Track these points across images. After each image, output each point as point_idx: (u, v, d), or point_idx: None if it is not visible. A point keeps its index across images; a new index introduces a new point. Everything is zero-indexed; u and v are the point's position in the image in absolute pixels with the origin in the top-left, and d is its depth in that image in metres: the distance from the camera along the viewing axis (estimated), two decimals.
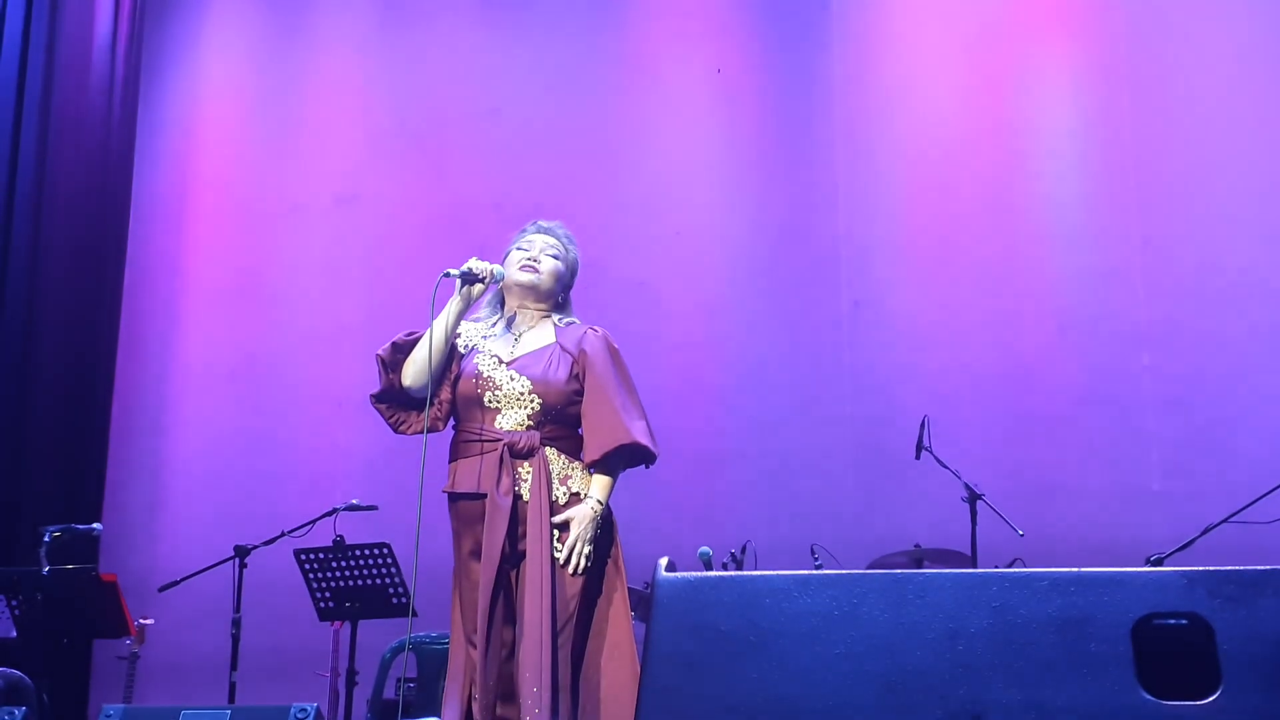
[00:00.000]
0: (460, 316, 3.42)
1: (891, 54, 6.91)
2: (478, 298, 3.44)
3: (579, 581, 3.24)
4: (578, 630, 3.24)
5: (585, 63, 7.19)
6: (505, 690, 3.20)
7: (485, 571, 3.23)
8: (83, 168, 6.84)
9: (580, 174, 6.98)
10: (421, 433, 3.41)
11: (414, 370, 3.38)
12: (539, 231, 3.54)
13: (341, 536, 5.40)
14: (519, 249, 3.50)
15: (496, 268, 3.45)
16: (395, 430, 3.47)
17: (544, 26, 7.24)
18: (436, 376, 3.37)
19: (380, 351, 3.44)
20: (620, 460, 3.35)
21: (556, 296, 3.52)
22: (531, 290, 3.47)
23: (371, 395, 3.48)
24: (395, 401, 3.45)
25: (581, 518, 3.26)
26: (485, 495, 3.27)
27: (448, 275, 3.39)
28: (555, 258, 3.49)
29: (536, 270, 3.46)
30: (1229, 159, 6.24)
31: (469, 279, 3.39)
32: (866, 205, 6.72)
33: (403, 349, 3.43)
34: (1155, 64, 6.45)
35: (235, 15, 7.65)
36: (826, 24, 6.96)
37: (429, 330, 3.37)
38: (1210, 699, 1.96)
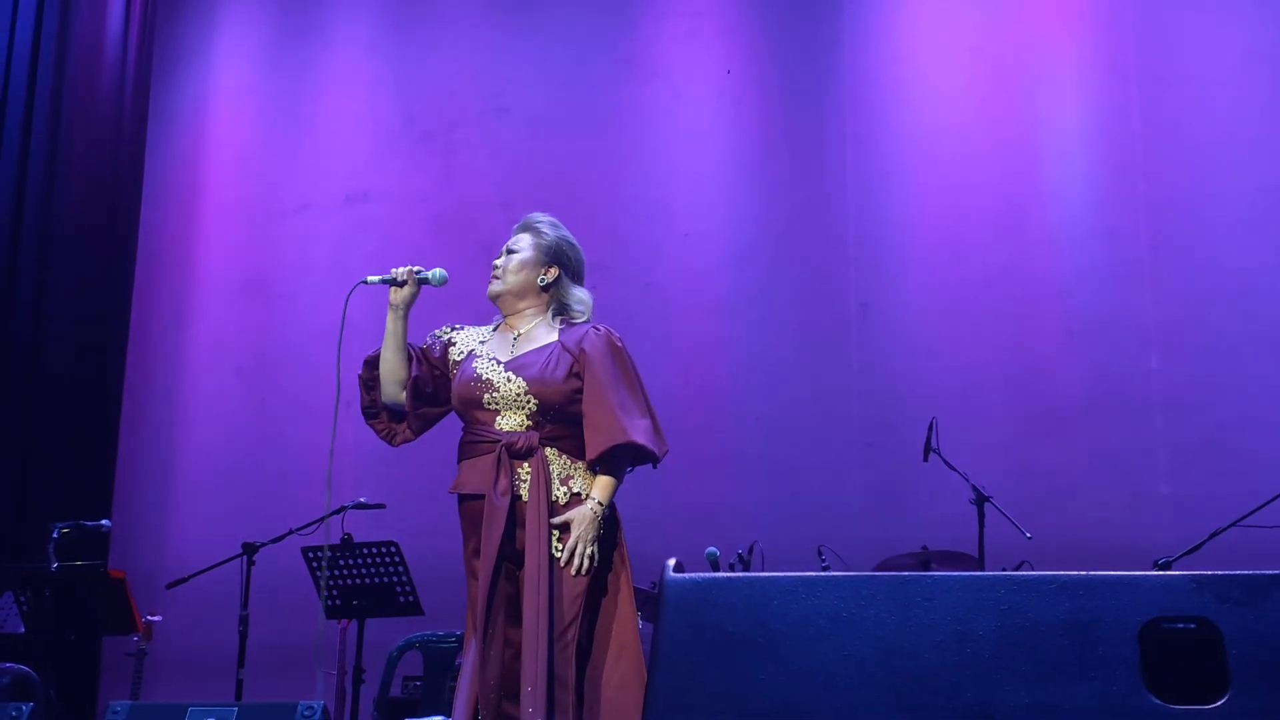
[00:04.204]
0: (401, 322, 3.48)
1: (901, 55, 6.90)
2: (412, 300, 3.49)
3: (583, 582, 3.24)
4: (583, 630, 3.24)
5: (594, 62, 7.20)
6: (512, 689, 3.21)
7: (483, 570, 3.24)
8: (94, 165, 6.86)
9: (589, 174, 6.98)
10: (409, 440, 3.55)
11: (385, 386, 3.50)
12: (516, 232, 3.56)
13: (349, 534, 5.41)
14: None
15: (436, 272, 3.51)
16: (389, 443, 3.58)
17: (553, 26, 7.24)
18: (399, 381, 3.47)
19: (359, 373, 3.56)
20: (621, 460, 3.33)
21: (536, 283, 3.47)
22: (500, 297, 3.50)
23: (363, 413, 3.60)
24: (387, 415, 3.55)
25: (581, 519, 3.24)
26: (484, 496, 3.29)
27: (364, 283, 3.51)
28: (519, 250, 3.49)
29: (496, 278, 3.50)
30: (1238, 160, 6.23)
31: (391, 283, 3.48)
32: (875, 206, 6.72)
33: (374, 364, 3.53)
34: (1165, 65, 6.43)
35: (246, 13, 7.67)
36: (837, 26, 6.95)
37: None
38: (1219, 703, 1.95)
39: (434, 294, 3.58)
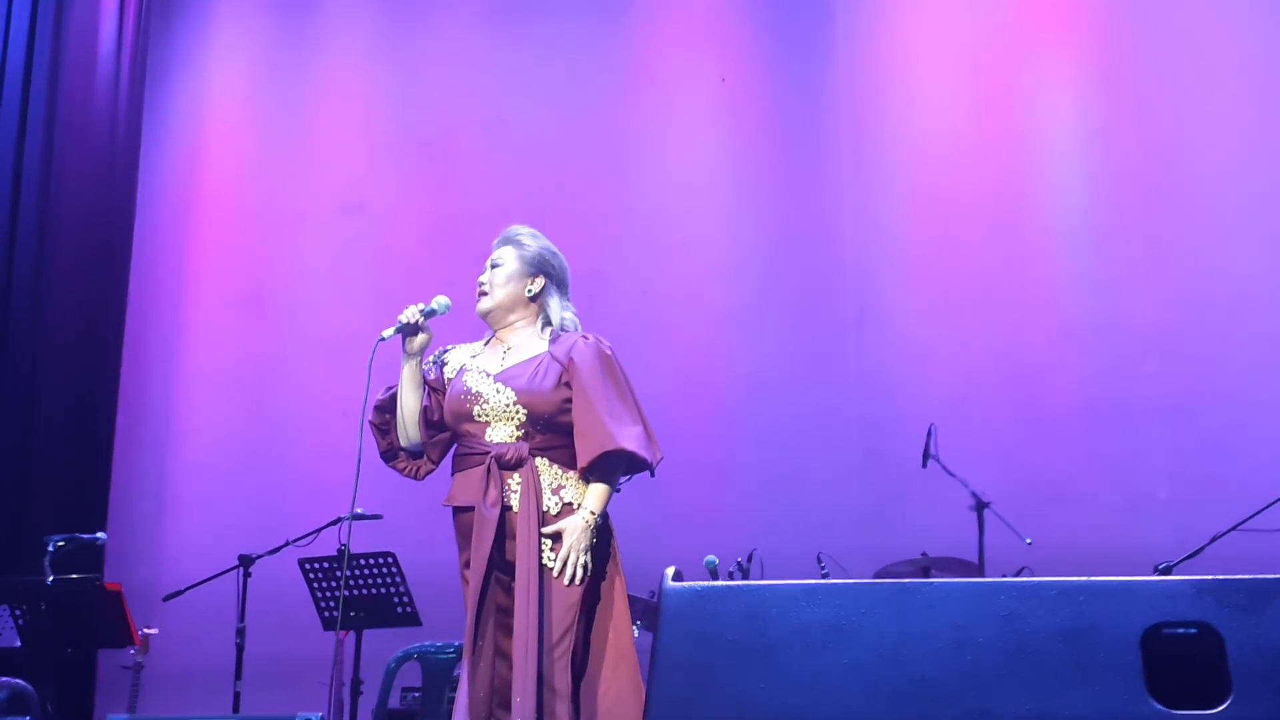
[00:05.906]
0: (418, 369, 3.46)
1: (896, 62, 6.91)
2: (428, 342, 3.46)
3: (577, 591, 3.22)
4: (578, 640, 3.22)
5: (590, 72, 7.20)
6: (506, 700, 3.19)
7: (472, 582, 3.24)
8: (88, 176, 6.84)
9: (585, 183, 6.99)
10: (433, 471, 3.53)
11: (403, 433, 3.49)
12: (497, 246, 3.54)
13: (346, 545, 5.39)
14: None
15: (439, 301, 3.47)
16: (415, 479, 3.56)
17: (549, 36, 7.25)
18: (418, 424, 3.45)
19: (370, 419, 3.52)
20: (613, 468, 3.31)
21: (523, 294, 3.46)
22: (489, 313, 3.48)
23: (381, 458, 3.56)
24: (406, 454, 3.54)
25: (573, 528, 3.22)
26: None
27: (382, 339, 3.44)
28: (503, 263, 3.48)
29: (484, 294, 3.48)
30: (1234, 166, 6.23)
31: (406, 331, 3.43)
32: (871, 214, 6.72)
33: (386, 408, 3.51)
34: (1160, 73, 6.44)
35: (241, 24, 7.66)
36: (831, 33, 6.96)
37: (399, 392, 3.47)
38: (1220, 708, 1.94)
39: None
